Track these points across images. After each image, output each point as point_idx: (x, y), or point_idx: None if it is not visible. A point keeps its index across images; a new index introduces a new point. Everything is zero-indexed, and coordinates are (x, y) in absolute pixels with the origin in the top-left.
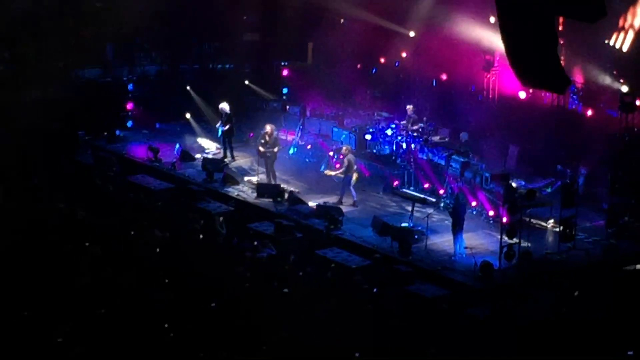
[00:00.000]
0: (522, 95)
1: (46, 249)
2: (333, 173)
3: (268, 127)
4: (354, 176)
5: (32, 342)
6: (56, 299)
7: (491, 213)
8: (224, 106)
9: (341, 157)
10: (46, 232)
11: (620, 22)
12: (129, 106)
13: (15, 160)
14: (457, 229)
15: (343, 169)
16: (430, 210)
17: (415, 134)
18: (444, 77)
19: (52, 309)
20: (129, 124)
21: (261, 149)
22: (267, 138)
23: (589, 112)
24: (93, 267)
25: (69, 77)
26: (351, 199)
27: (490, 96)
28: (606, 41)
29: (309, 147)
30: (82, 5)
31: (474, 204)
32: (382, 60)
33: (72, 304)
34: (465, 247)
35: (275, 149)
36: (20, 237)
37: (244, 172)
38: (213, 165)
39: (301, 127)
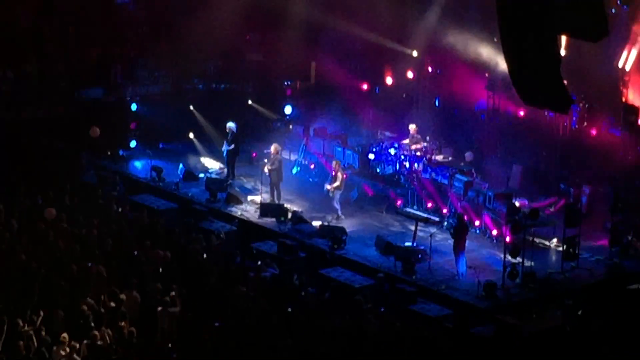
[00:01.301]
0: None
1: (51, 268)
2: (329, 187)
3: (273, 147)
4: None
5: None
6: (62, 318)
7: (494, 232)
8: (231, 125)
9: (333, 173)
10: (51, 251)
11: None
12: (133, 126)
13: (19, 180)
14: (459, 248)
15: (337, 183)
16: (433, 230)
17: (418, 153)
18: (448, 96)
19: (56, 327)
20: (133, 143)
21: (266, 169)
22: (271, 157)
23: (592, 131)
24: (98, 287)
25: (72, 96)
26: (337, 212)
27: (494, 115)
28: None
29: (312, 166)
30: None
31: (477, 223)
32: (389, 81)
33: (77, 323)
34: (468, 267)
35: (273, 166)
36: (24, 257)
37: (248, 191)
38: (216, 185)
39: (304, 146)
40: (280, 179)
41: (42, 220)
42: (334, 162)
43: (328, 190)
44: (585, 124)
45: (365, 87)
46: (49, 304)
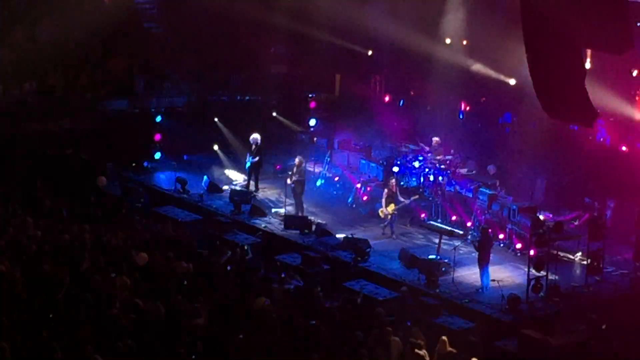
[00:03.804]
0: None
1: (75, 280)
2: (388, 210)
3: (297, 159)
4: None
5: None
6: (85, 330)
7: (518, 246)
8: (256, 137)
9: (392, 191)
10: (75, 263)
11: None
12: (157, 137)
13: (44, 192)
14: (483, 261)
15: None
16: (457, 243)
17: (442, 166)
18: (467, 107)
19: (80, 339)
20: (157, 155)
21: (289, 180)
22: (294, 169)
23: (617, 145)
24: (122, 298)
25: (96, 108)
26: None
27: (518, 128)
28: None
29: (336, 179)
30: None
31: (501, 236)
32: (412, 92)
33: (100, 334)
34: (492, 280)
35: (295, 177)
36: (48, 268)
37: (272, 203)
38: (240, 197)
39: (328, 159)
40: (302, 192)
41: (67, 231)
42: (392, 181)
43: (387, 215)
44: (610, 137)
45: (387, 99)
46: (73, 315)
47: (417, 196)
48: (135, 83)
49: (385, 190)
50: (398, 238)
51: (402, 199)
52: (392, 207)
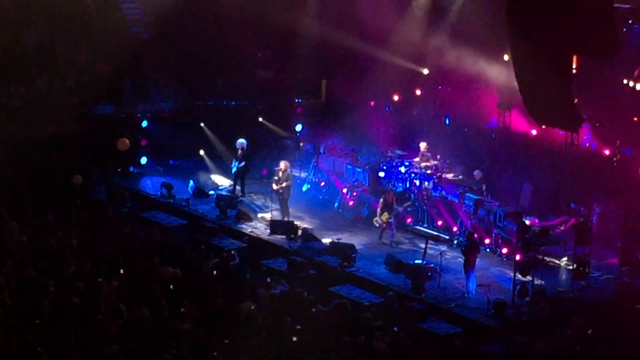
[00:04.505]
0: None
1: (60, 284)
2: (382, 219)
3: (282, 164)
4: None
5: None
6: (70, 334)
7: (504, 251)
8: (242, 142)
9: (389, 201)
10: (61, 268)
11: None
12: (143, 142)
13: (30, 196)
14: (469, 266)
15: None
16: (443, 248)
17: (428, 172)
18: (458, 114)
19: (66, 344)
20: (143, 160)
21: (274, 185)
22: (280, 174)
23: (602, 150)
24: (107, 303)
25: (83, 113)
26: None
27: (504, 134)
28: (625, 82)
29: (322, 184)
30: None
31: (487, 241)
32: (396, 98)
33: (87, 339)
34: (478, 285)
35: (284, 184)
36: (34, 272)
37: (258, 208)
38: (227, 202)
39: (315, 164)
40: (288, 196)
41: (53, 236)
42: (390, 192)
43: (382, 222)
44: (595, 142)
45: (372, 103)
46: (59, 320)
47: (409, 203)
48: (122, 88)
49: (381, 199)
50: (386, 244)
51: (395, 206)
52: (385, 215)
